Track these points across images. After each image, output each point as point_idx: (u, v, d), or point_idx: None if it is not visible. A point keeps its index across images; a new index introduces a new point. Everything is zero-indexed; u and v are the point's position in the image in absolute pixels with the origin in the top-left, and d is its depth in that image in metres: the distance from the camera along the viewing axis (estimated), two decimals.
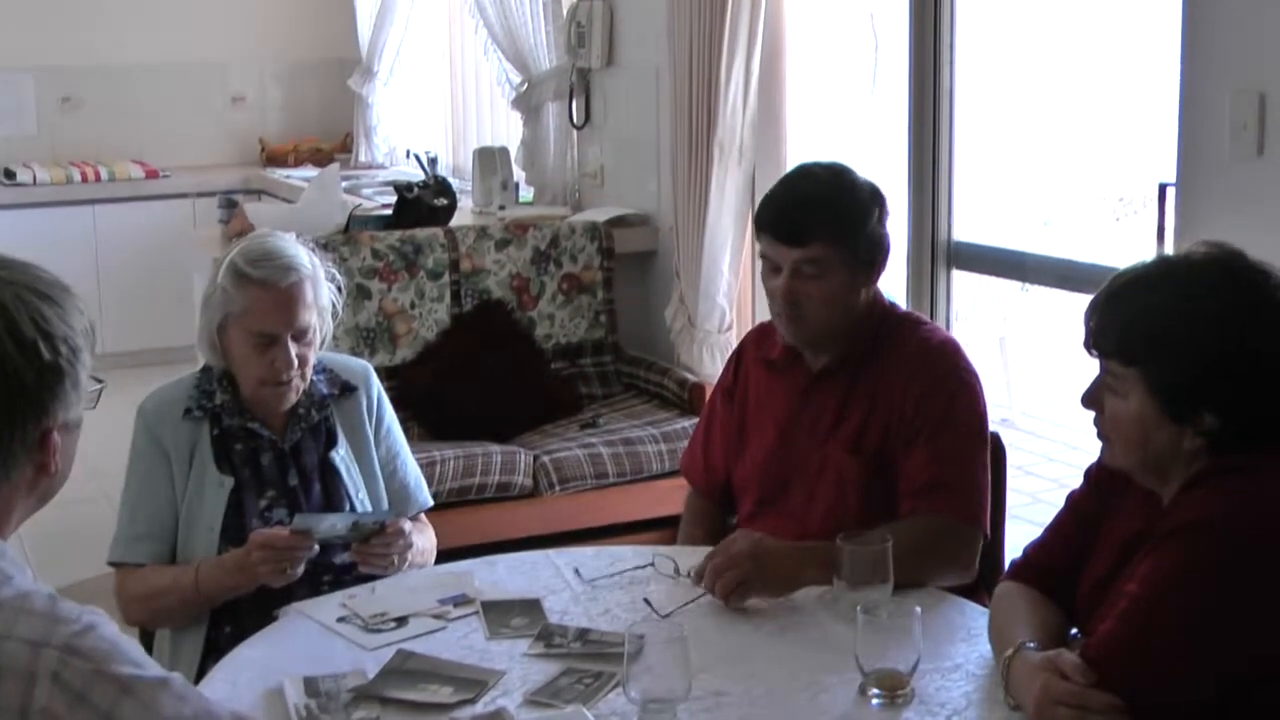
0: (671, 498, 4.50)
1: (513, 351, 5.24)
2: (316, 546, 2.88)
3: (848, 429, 3.03)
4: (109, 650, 1.68)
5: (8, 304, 1.75)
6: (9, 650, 1.63)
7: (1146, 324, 2.25)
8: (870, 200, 3.03)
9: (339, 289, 3.17)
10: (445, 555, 3.23)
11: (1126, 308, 2.28)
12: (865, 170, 3.10)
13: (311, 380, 3.12)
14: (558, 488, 4.80)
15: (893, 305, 3.16)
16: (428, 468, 3.41)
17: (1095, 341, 2.32)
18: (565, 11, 6.04)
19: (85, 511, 3.60)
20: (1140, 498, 2.37)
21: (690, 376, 5.23)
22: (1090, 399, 2.36)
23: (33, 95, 8.46)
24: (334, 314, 3.14)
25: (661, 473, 4.90)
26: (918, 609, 2.36)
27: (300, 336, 3.04)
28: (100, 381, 1.92)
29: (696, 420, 4.84)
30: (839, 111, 7.31)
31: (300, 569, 2.88)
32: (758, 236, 3.10)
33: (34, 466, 1.81)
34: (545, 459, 4.82)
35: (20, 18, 8.25)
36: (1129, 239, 8.78)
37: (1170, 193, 3.69)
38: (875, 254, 3.02)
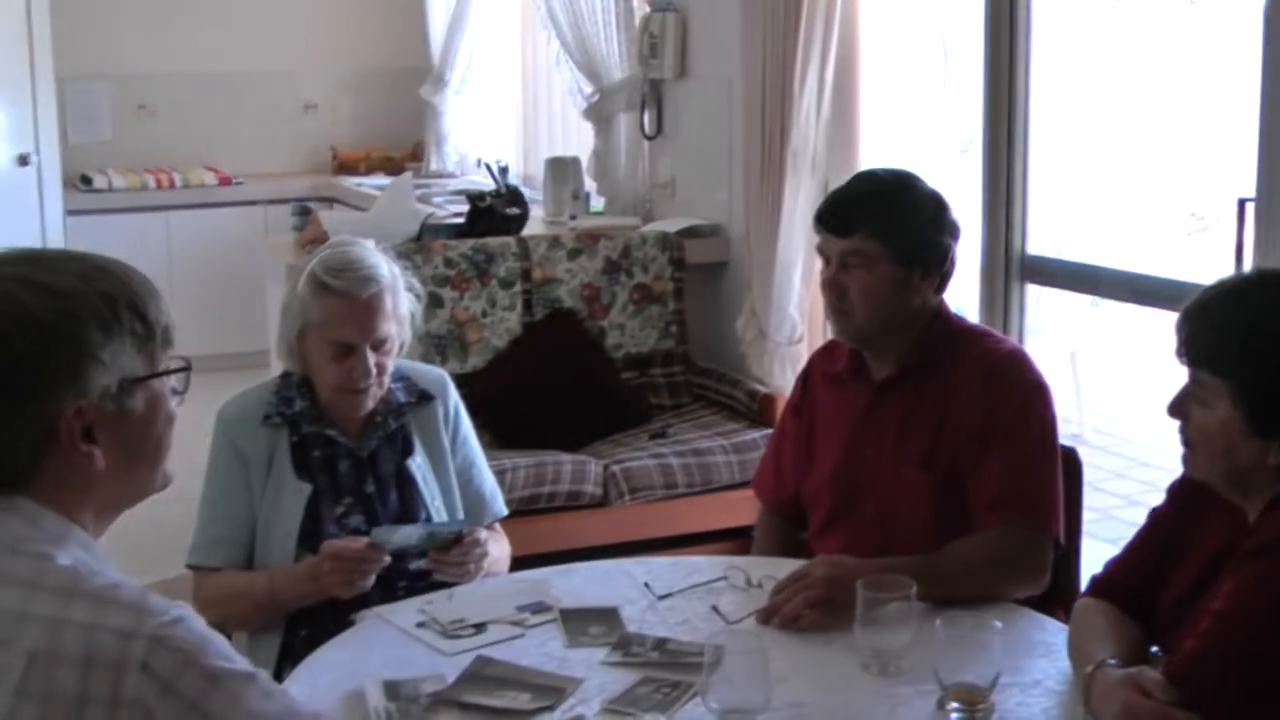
0: (741, 509, 4.51)
1: (583, 361, 5.25)
2: (387, 558, 2.89)
3: (916, 442, 3.02)
4: (198, 642, 1.69)
5: None
6: (100, 640, 1.64)
7: (1237, 335, 2.24)
8: (926, 203, 3.05)
9: (418, 297, 3.19)
10: (515, 563, 3.25)
11: (1218, 318, 2.27)
12: (937, 182, 3.10)
13: (389, 389, 3.14)
14: (628, 497, 4.81)
15: (959, 318, 3.16)
16: (498, 476, 3.42)
17: (1185, 350, 2.30)
18: (638, 22, 6.05)
19: (159, 514, 3.63)
20: (1224, 514, 2.35)
21: (760, 388, 5.23)
22: (1176, 408, 2.34)
23: (109, 102, 8.55)
24: (413, 322, 3.16)
25: (731, 483, 4.89)
26: (998, 623, 2.35)
27: (379, 346, 3.06)
28: (185, 363, 1.89)
29: (767, 431, 4.88)
30: (911, 123, 7.28)
31: (369, 582, 2.89)
32: (816, 232, 3.13)
33: (61, 457, 1.76)
34: (615, 468, 4.83)
35: (97, 27, 8.34)
36: (1202, 254, 8.71)
37: (1250, 208, 3.65)
38: (926, 256, 3.03)
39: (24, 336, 1.72)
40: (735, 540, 4.55)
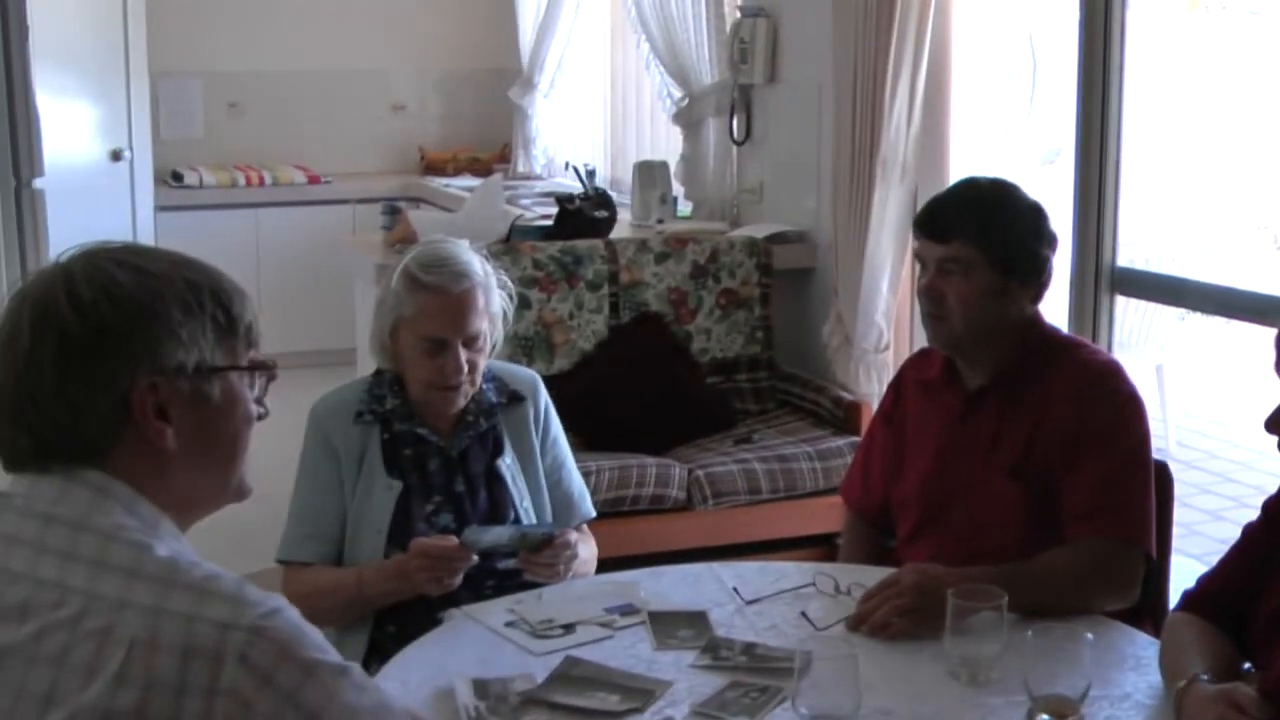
0: (825, 516, 4.51)
1: (669, 365, 5.25)
2: (475, 558, 2.91)
3: (1008, 451, 3.01)
4: (294, 634, 1.70)
5: (76, 271, 1.77)
6: (199, 631, 1.65)
7: None
8: (1026, 212, 3.05)
9: (510, 296, 3.20)
10: (599, 566, 3.25)
11: None
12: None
13: (481, 388, 3.15)
14: (711, 502, 4.81)
15: (1054, 329, 3.15)
16: (582, 478, 3.43)
17: None
18: (728, 27, 6.06)
19: (242, 510, 3.67)
20: None
21: (846, 395, 5.21)
22: (1274, 424, 2.32)
23: (201, 100, 8.65)
24: (505, 321, 3.18)
25: (815, 490, 4.89)
26: (1089, 635, 2.34)
27: (470, 343, 3.08)
28: (271, 368, 1.89)
29: (851, 439, 4.88)
30: (997, 133, 7.26)
31: (458, 580, 2.91)
32: (914, 237, 3.13)
33: (135, 434, 1.76)
34: (700, 473, 4.83)
35: (190, 25, 8.44)
36: None
37: None
38: (1024, 265, 3.02)
39: (110, 305, 1.75)
40: (818, 547, 4.55)
